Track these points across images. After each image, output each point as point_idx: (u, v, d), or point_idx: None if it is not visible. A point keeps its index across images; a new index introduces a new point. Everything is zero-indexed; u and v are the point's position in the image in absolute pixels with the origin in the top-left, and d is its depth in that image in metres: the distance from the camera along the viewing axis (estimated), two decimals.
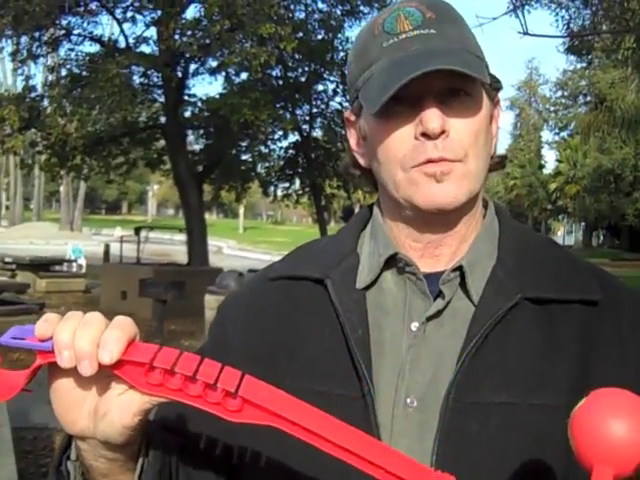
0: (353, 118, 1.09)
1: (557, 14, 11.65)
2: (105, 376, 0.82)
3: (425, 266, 1.04)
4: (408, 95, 0.95)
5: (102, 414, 0.83)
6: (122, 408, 0.83)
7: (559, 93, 63.71)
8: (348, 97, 1.09)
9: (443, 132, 0.96)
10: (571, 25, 12.05)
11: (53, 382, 0.85)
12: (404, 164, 0.98)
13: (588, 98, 50.05)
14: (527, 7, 10.58)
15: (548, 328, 0.99)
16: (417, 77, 0.92)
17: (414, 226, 1.04)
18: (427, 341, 1.00)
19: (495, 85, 1.05)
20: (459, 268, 1.02)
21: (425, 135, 0.96)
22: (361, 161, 1.10)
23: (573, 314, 1.00)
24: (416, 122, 0.96)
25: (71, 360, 0.78)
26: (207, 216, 20.84)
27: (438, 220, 1.02)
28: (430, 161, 0.96)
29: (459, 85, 0.97)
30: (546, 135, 72.79)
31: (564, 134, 62.87)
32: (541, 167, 67.50)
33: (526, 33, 9.14)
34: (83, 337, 0.78)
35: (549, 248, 1.10)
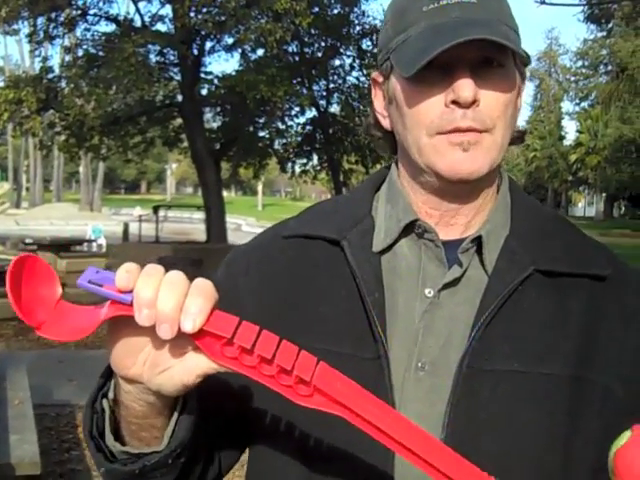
0: (381, 79, 1.09)
1: None
2: None
3: (440, 234, 1.05)
4: (441, 62, 0.96)
5: (162, 369, 0.82)
6: (186, 368, 0.81)
7: (579, 63, 62.93)
8: (379, 57, 1.09)
9: (474, 102, 0.96)
10: None
11: (116, 327, 0.82)
12: (430, 130, 0.99)
13: (609, 67, 49.41)
14: None
15: (558, 300, 1.01)
16: (454, 45, 0.92)
17: (433, 193, 1.05)
18: (441, 308, 1.02)
19: (524, 60, 1.05)
20: (477, 238, 1.03)
21: (456, 103, 0.96)
22: (384, 123, 1.11)
23: (582, 288, 1.03)
24: (448, 90, 0.97)
25: (150, 319, 0.75)
26: (226, 194, 20.85)
27: (458, 190, 1.03)
28: (457, 130, 0.97)
29: (493, 56, 0.97)
30: (566, 106, 72.36)
31: (585, 104, 62.27)
32: (561, 138, 67.05)
33: (543, 2, 8.99)
34: (167, 299, 0.75)
35: (558, 222, 1.13)
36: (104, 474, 0.95)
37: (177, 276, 0.77)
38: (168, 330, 0.75)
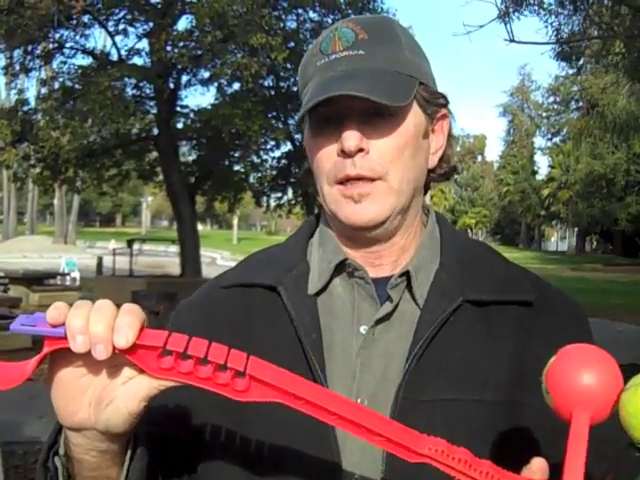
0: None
1: (546, 21, 11.69)
2: (109, 366, 0.83)
3: (370, 272, 1.08)
4: (334, 113, 1.01)
5: (107, 402, 0.84)
6: (129, 395, 0.84)
7: (551, 99, 64.01)
8: None
9: (362, 150, 1.01)
10: (560, 32, 12.09)
11: (55, 374, 0.85)
12: (329, 178, 1.05)
13: (580, 103, 50.23)
14: (516, 14, 10.61)
15: (488, 328, 1.05)
16: (338, 97, 0.97)
17: (349, 237, 1.09)
18: (376, 343, 1.05)
19: (435, 101, 1.09)
20: (405, 273, 1.07)
21: (344, 152, 1.01)
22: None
23: (510, 314, 1.07)
24: (339, 140, 1.01)
25: (85, 345, 0.78)
26: (201, 227, 20.83)
27: (368, 235, 1.07)
28: (349, 178, 1.02)
29: (377, 106, 1.00)
30: (539, 141, 73.30)
31: (556, 140, 63.18)
32: (534, 173, 67.87)
33: (512, 40, 9.21)
34: (97, 322, 0.79)
35: (485, 252, 1.16)
36: None
37: (104, 303, 0.82)
38: (103, 350, 0.78)
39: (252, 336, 1.08)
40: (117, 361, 0.82)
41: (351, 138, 1.00)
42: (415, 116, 1.06)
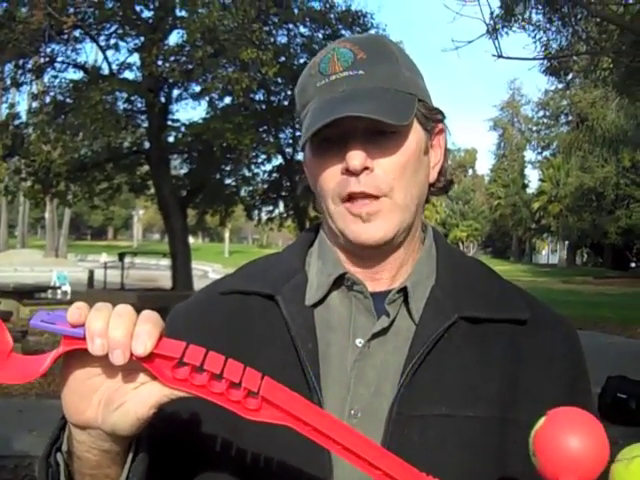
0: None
1: (534, 36, 11.79)
2: (123, 369, 0.83)
3: (368, 286, 1.10)
4: (337, 133, 1.03)
5: (117, 405, 0.84)
6: (139, 400, 0.83)
7: (541, 113, 64.32)
8: None
9: (367, 168, 1.03)
10: (549, 47, 12.19)
11: (69, 372, 0.85)
12: (334, 196, 1.06)
13: (569, 118, 50.50)
14: (504, 30, 10.70)
15: (482, 345, 1.07)
16: (342, 118, 0.99)
17: (352, 254, 1.11)
18: (371, 357, 1.07)
19: (433, 117, 1.11)
20: (403, 289, 1.09)
21: (349, 171, 1.03)
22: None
23: (504, 332, 1.09)
24: (343, 159, 1.03)
25: (103, 348, 0.78)
26: (193, 240, 20.83)
27: (373, 252, 1.09)
28: (352, 195, 1.04)
29: (380, 125, 1.02)
30: (529, 155, 73.51)
31: (546, 153, 63.47)
32: (524, 186, 68.12)
33: (500, 56, 9.28)
34: (117, 327, 0.79)
35: (480, 270, 1.18)
36: None
37: (125, 308, 0.82)
38: (120, 355, 0.78)
39: (248, 343, 1.09)
40: (131, 365, 0.81)
41: (357, 157, 1.02)
42: (416, 133, 1.08)
